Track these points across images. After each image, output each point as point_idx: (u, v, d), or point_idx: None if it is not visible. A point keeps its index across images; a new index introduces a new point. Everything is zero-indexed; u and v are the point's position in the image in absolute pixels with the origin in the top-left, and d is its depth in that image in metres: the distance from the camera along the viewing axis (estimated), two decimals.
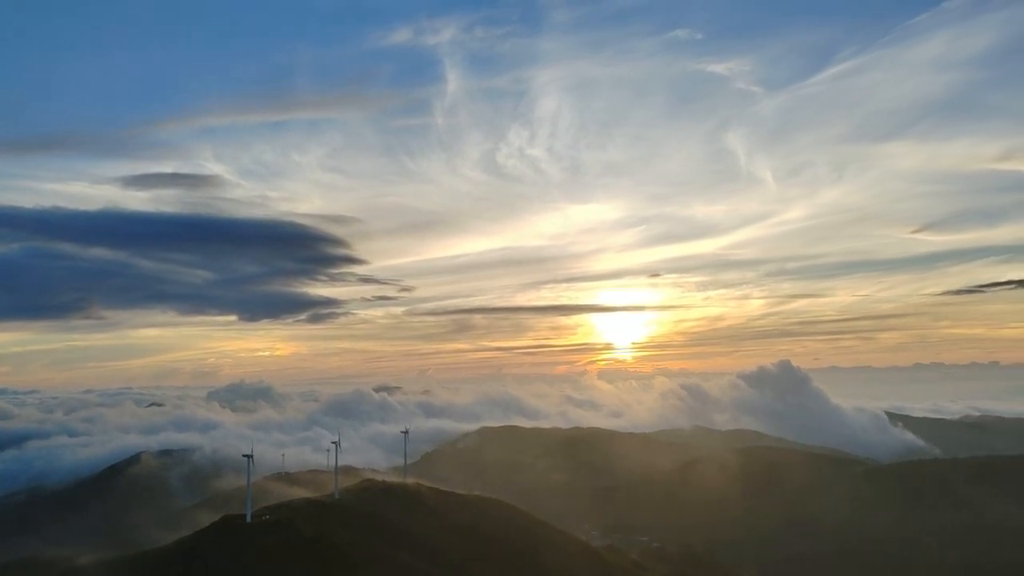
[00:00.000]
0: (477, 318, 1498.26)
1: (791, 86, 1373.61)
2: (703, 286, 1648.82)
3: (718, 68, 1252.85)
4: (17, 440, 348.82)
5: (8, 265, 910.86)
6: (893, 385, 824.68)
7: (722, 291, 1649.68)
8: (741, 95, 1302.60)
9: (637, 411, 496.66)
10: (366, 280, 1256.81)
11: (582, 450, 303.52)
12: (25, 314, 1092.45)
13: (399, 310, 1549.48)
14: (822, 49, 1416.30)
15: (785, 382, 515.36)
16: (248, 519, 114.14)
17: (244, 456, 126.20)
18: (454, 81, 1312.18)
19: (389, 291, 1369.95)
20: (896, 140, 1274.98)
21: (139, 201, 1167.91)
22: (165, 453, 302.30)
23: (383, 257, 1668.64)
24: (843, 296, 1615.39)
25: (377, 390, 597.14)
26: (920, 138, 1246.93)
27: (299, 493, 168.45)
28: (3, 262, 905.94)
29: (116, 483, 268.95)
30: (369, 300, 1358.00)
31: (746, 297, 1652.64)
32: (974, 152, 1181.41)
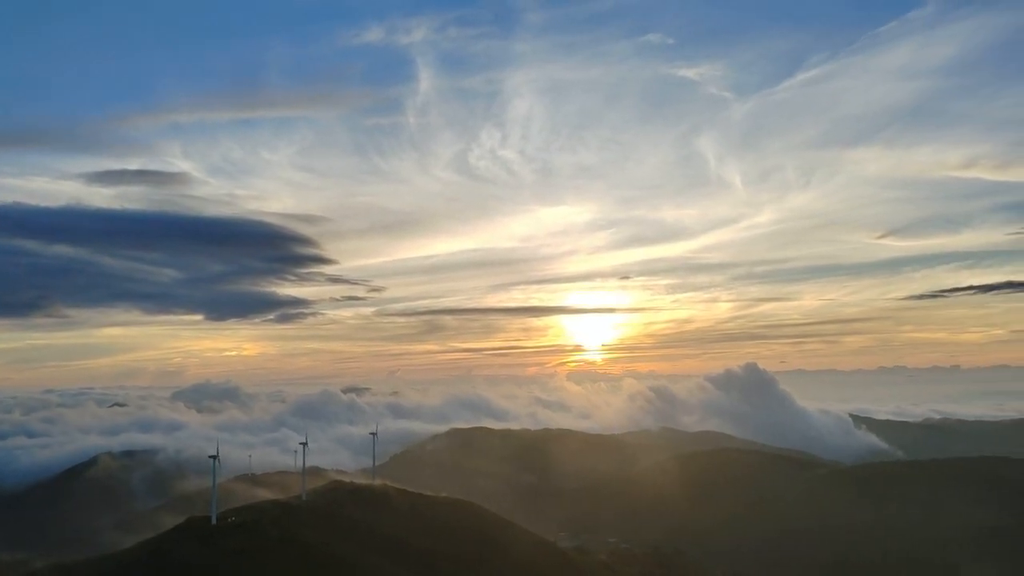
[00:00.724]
0: (447, 319, 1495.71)
1: (761, 91, 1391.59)
2: (672, 289, 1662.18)
3: (689, 73, 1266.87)
4: None
5: None
6: (858, 388, 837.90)
7: (691, 294, 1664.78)
8: (712, 100, 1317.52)
9: (606, 413, 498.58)
10: (335, 280, 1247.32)
11: (551, 452, 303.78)
12: None
13: (369, 311, 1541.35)
14: (792, 55, 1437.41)
15: (751, 384, 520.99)
16: (214, 521, 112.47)
17: (210, 457, 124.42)
18: (427, 80, 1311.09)
19: (359, 291, 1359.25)
20: (863, 146, 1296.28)
21: (104, 198, 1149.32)
22: (127, 454, 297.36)
23: (353, 257, 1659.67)
24: (809, 300, 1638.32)
25: (345, 391, 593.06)
26: (887, 144, 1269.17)
27: (266, 495, 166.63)
28: None
29: (76, 485, 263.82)
30: (338, 300, 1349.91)
31: (714, 300, 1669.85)
32: (939, 159, 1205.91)
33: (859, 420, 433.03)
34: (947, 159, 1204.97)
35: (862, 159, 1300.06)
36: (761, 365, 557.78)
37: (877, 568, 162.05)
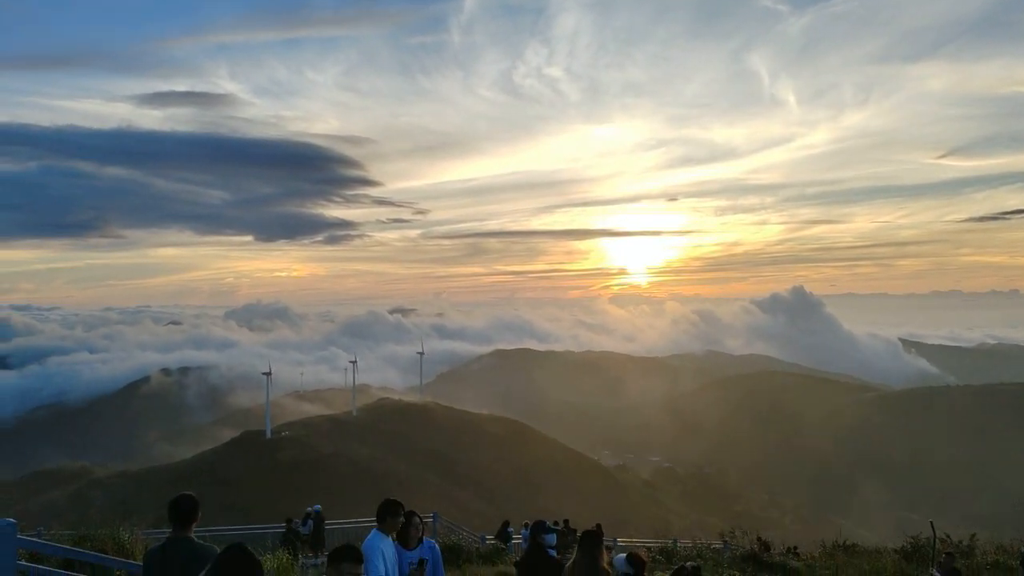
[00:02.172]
0: (492, 242, 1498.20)
1: (819, 4, 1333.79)
2: (721, 211, 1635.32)
3: None
4: (39, 356, 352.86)
5: (27, 183, 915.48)
6: (910, 312, 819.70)
7: (740, 216, 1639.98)
8: (767, 13, 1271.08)
9: (649, 336, 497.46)
10: (381, 202, 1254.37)
11: (594, 373, 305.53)
12: (45, 232, 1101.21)
13: (414, 233, 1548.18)
14: None
15: (798, 308, 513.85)
16: (268, 435, 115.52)
17: (263, 374, 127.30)
18: None
19: (404, 214, 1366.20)
20: (926, 61, 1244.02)
21: (154, 120, 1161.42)
22: (182, 371, 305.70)
23: (398, 179, 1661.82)
24: (863, 222, 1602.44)
25: (392, 312, 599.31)
26: (951, 59, 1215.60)
27: (316, 411, 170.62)
28: (22, 180, 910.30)
29: (135, 399, 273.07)
30: (384, 223, 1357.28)
31: (764, 222, 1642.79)
32: (1007, 74, 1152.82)
33: (909, 344, 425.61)
34: (1016, 74, 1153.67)
35: (924, 75, 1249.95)
36: (810, 289, 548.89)
37: (925, 492, 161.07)
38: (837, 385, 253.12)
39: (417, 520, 8.39)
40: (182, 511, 6.67)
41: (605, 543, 9.67)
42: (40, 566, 8.18)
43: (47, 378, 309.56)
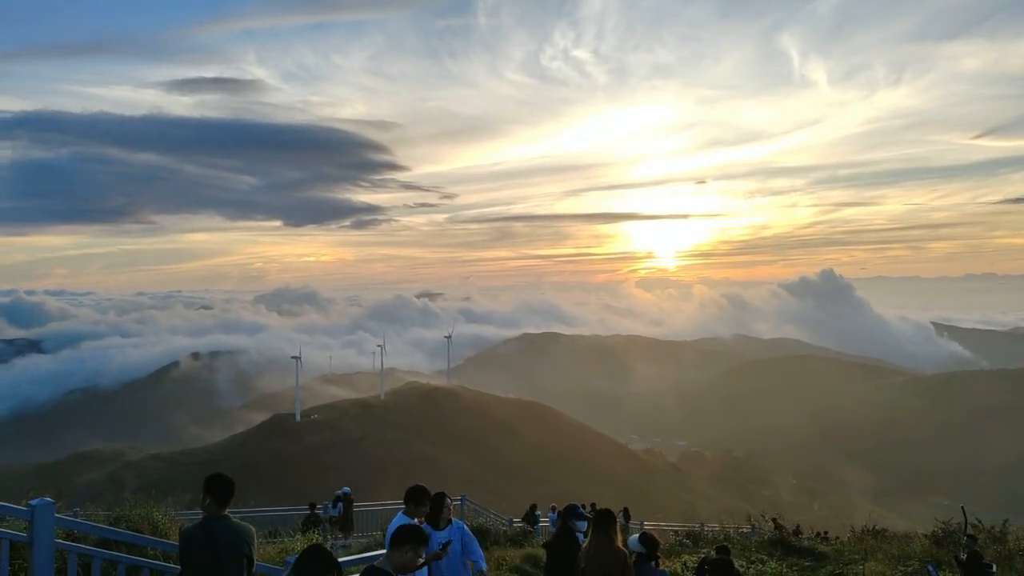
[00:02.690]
0: (518, 226, 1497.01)
1: None
2: (750, 193, 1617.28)
3: None
4: (74, 340, 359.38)
5: (60, 170, 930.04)
6: (942, 296, 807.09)
7: (769, 199, 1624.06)
8: None
9: (677, 319, 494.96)
10: (408, 187, 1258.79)
11: (622, 356, 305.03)
12: (79, 218, 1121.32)
13: (441, 217, 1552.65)
14: None
15: (827, 291, 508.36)
16: (298, 418, 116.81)
17: (292, 357, 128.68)
18: None
19: (431, 198, 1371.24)
20: (962, 39, 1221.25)
21: (183, 106, 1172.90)
22: (213, 355, 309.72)
23: (424, 163, 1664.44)
24: (895, 204, 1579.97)
25: (419, 296, 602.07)
26: (988, 36, 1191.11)
27: (345, 394, 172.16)
28: (56, 167, 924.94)
29: (166, 383, 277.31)
30: (411, 207, 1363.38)
31: (794, 205, 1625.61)
32: None
33: (942, 328, 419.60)
34: None
35: (960, 53, 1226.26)
36: (840, 272, 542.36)
37: (956, 476, 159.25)
38: (867, 369, 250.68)
39: (447, 502, 8.61)
40: (223, 490, 6.79)
41: (632, 524, 9.80)
42: (78, 545, 8.37)
43: (81, 362, 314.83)
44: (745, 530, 26.23)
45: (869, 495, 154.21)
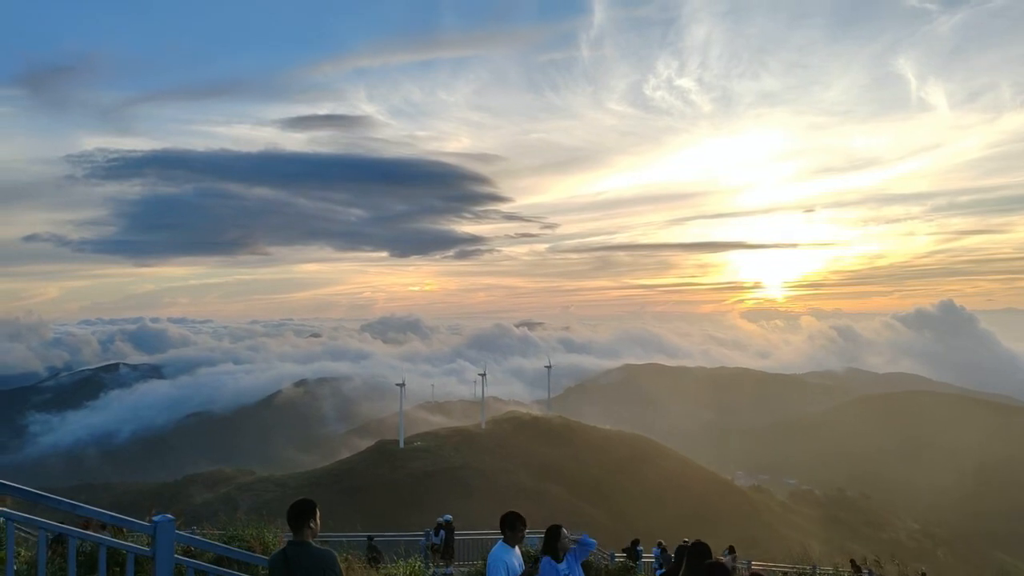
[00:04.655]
0: (620, 255, 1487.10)
1: (972, 1, 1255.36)
2: (863, 221, 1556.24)
3: None
4: (191, 366, 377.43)
5: (185, 205, 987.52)
6: None
7: (884, 227, 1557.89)
8: (913, 13, 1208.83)
9: (785, 352, 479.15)
10: (510, 217, 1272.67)
11: (728, 389, 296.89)
12: (200, 250, 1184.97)
13: (542, 247, 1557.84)
14: None
15: (947, 323, 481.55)
16: (401, 445, 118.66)
17: (397, 385, 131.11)
18: (600, 12, 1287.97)
19: (532, 228, 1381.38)
20: None
21: (297, 143, 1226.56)
22: (320, 381, 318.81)
23: (527, 194, 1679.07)
24: None
25: (518, 325, 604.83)
26: None
27: (446, 422, 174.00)
28: (181, 202, 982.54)
29: (274, 409, 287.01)
30: (513, 237, 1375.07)
31: (911, 233, 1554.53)
32: None
33: None
34: None
35: None
36: (963, 303, 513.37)
37: None
38: (994, 406, 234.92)
39: (564, 533, 8.65)
40: (290, 516, 7.10)
41: (739, 564, 9.44)
42: (195, 561, 8.73)
43: (196, 387, 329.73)
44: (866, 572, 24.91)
45: (999, 544, 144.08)
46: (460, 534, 24.75)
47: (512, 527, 8.22)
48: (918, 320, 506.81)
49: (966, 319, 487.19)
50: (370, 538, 23.31)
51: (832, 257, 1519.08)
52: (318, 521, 7.20)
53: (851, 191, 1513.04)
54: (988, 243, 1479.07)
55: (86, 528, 10.61)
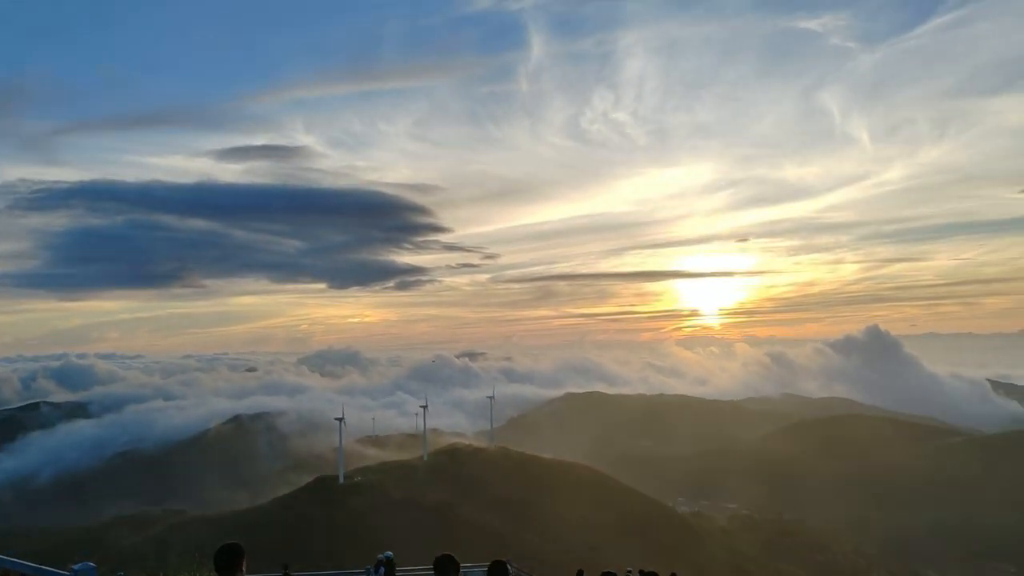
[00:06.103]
0: (561, 285, 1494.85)
1: (890, 40, 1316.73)
2: (794, 250, 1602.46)
3: (811, 24, 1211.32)
4: (119, 403, 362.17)
5: (115, 237, 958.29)
6: (998, 352, 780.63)
7: (814, 255, 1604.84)
8: (836, 51, 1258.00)
9: (722, 378, 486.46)
10: (451, 248, 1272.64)
11: (668, 417, 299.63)
12: (131, 283, 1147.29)
13: (483, 277, 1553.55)
14: (924, 0, 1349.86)
15: (874, 348, 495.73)
16: (341, 480, 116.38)
17: (336, 419, 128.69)
18: (538, 45, 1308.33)
19: (473, 259, 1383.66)
20: (1004, 94, 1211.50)
21: (233, 173, 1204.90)
22: (255, 417, 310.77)
23: (467, 225, 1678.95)
24: (943, 260, 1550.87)
25: (459, 356, 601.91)
26: None
27: (386, 456, 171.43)
28: (110, 234, 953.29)
29: (207, 446, 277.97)
30: (454, 268, 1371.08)
31: (839, 261, 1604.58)
32: None
33: (998, 385, 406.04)
34: None
35: (1002, 108, 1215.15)
36: (889, 329, 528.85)
37: (1020, 544, 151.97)
38: (923, 428, 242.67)
39: (509, 570, 8.28)
40: (227, 563, 6.88)
41: None
42: None
43: (123, 426, 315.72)
44: None
45: (931, 561, 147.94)
46: (402, 570, 24.16)
47: (444, 572, 7.81)
48: (847, 346, 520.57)
49: (891, 344, 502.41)
50: (285, 566, 22.61)
51: (765, 285, 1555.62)
52: (245, 566, 6.94)
53: (783, 221, 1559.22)
54: (910, 270, 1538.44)
55: None
